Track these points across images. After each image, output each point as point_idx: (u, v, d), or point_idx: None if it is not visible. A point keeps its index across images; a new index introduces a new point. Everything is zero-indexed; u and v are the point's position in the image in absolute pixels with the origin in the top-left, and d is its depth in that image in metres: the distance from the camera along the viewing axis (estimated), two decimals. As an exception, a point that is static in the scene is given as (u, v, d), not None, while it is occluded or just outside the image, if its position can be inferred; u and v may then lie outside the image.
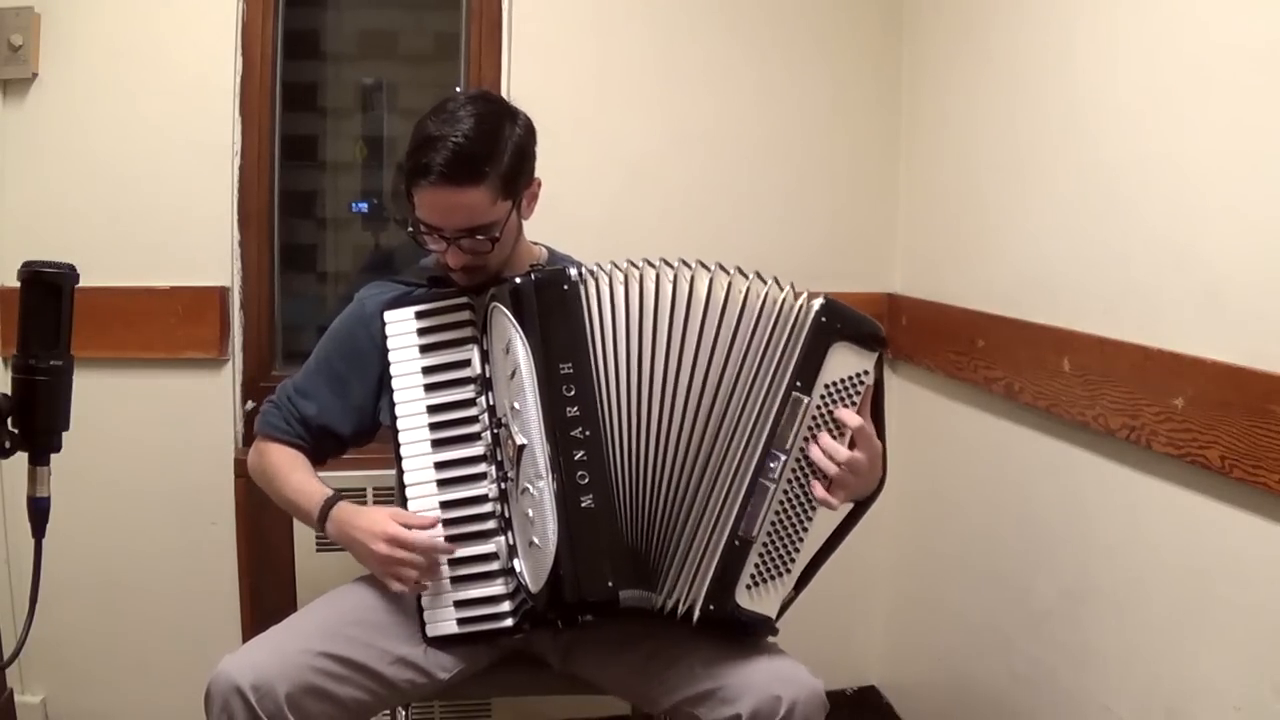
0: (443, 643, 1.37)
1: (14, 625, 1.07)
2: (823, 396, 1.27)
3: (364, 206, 2.28)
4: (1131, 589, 1.43)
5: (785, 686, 1.25)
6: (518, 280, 1.32)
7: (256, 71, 1.99)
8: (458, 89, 2.15)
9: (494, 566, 1.35)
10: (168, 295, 1.95)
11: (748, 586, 1.27)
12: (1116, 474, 1.46)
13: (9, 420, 1.00)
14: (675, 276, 1.31)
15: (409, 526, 1.33)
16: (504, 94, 2.03)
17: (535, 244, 1.55)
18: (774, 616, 1.30)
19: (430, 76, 2.33)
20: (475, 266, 1.38)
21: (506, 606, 1.35)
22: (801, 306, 1.29)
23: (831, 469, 1.26)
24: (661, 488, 1.30)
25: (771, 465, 1.26)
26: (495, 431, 1.35)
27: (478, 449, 1.38)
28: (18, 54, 1.86)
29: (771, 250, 2.14)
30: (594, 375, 1.30)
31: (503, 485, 1.35)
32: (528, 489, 1.29)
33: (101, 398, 1.89)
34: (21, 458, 1.02)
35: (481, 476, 1.37)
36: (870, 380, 1.30)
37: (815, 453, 1.27)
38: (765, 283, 1.31)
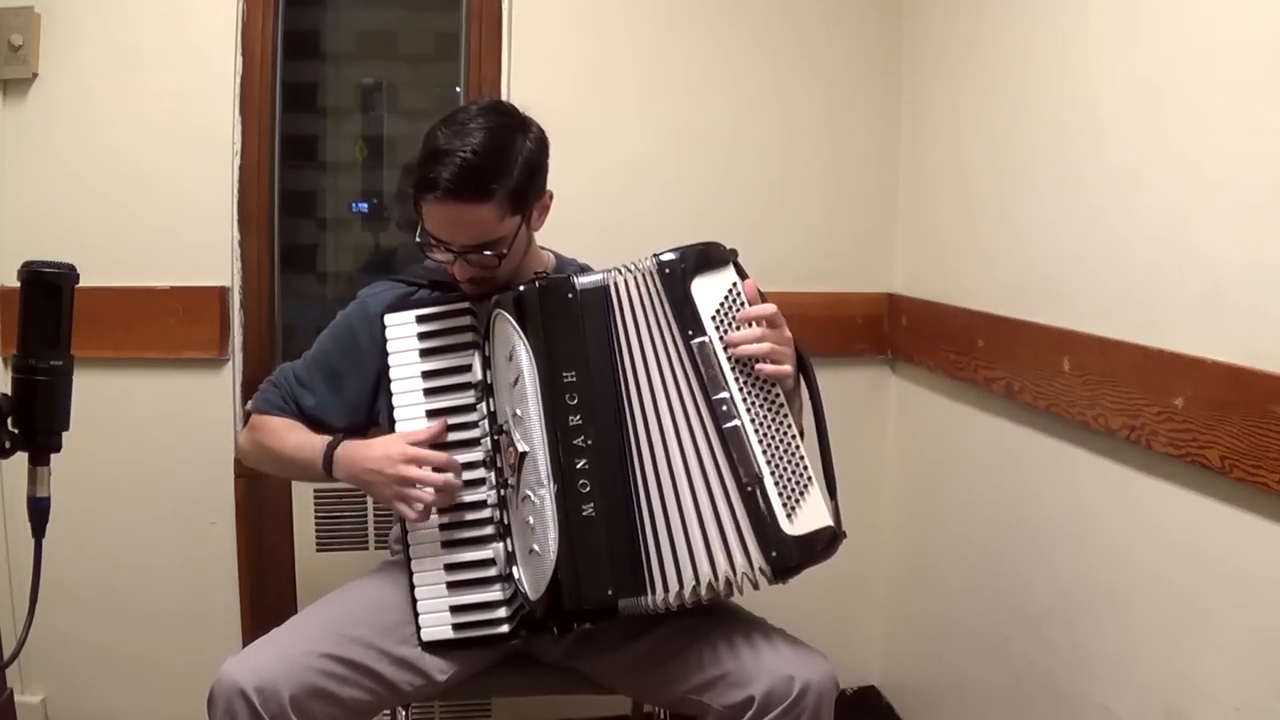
0: (438, 648, 1.37)
1: (14, 625, 1.07)
2: (716, 327, 1.29)
3: (364, 206, 2.28)
4: (1131, 589, 1.43)
5: (799, 668, 1.26)
6: (521, 288, 1.32)
7: (256, 71, 1.99)
8: (458, 89, 2.15)
9: (491, 572, 1.35)
10: (168, 295, 1.95)
11: (788, 516, 1.24)
12: (1116, 474, 1.46)
13: (9, 420, 1.00)
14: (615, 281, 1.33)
15: (418, 443, 1.35)
16: (504, 94, 2.04)
17: (542, 248, 1.55)
18: (832, 523, 1.26)
19: (430, 76, 2.33)
20: (482, 279, 1.38)
21: (503, 613, 1.35)
22: (646, 271, 1.31)
23: (758, 348, 1.27)
24: (655, 487, 1.29)
25: (724, 408, 1.27)
26: (495, 438, 1.35)
27: (477, 454, 1.38)
28: (18, 54, 1.86)
29: (772, 250, 2.15)
30: (590, 383, 1.30)
31: (502, 492, 1.35)
32: (528, 496, 1.29)
33: (101, 398, 1.89)
34: (21, 458, 1.02)
35: (480, 482, 1.37)
36: (740, 284, 1.31)
37: (740, 351, 1.27)
38: (627, 270, 1.33)
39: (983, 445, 1.88)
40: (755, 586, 1.26)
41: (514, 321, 1.32)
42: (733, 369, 1.28)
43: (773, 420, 1.28)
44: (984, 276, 1.86)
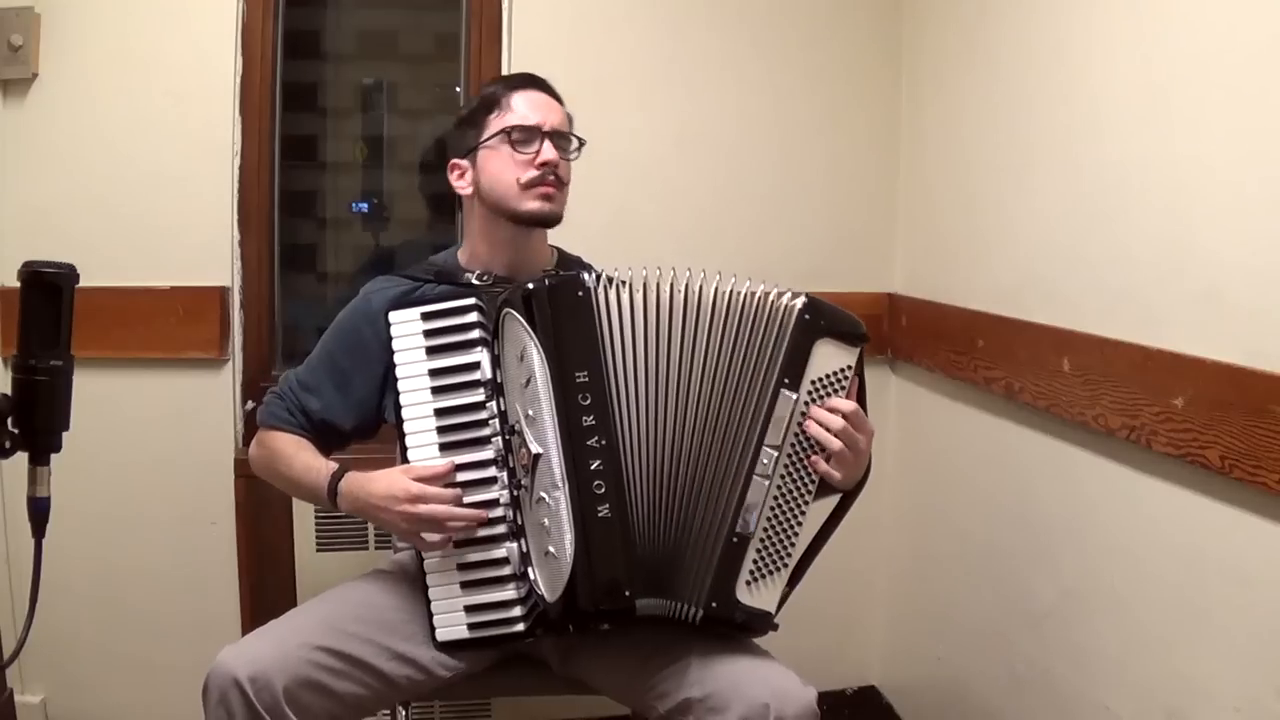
0: (453, 648, 1.36)
1: (14, 625, 1.07)
2: (809, 392, 1.30)
3: (364, 206, 2.28)
4: (1131, 589, 1.43)
5: (775, 696, 1.24)
6: (530, 286, 1.31)
7: (256, 71, 1.99)
8: (458, 89, 2.15)
9: (505, 571, 1.34)
10: (168, 295, 1.95)
11: (747, 583, 1.28)
12: (1116, 474, 1.46)
13: (9, 420, 1.00)
14: (686, 282, 1.32)
15: (422, 480, 1.33)
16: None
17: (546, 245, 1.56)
18: (774, 612, 1.30)
19: (430, 76, 2.33)
20: (558, 182, 1.46)
21: (518, 611, 1.34)
22: (786, 306, 1.31)
23: (833, 442, 1.28)
24: (671, 494, 1.30)
25: (764, 461, 1.28)
26: (507, 438, 1.34)
27: (488, 453, 1.36)
28: (18, 54, 1.86)
29: (772, 250, 2.15)
30: (607, 383, 1.30)
31: (514, 492, 1.34)
32: (543, 498, 1.28)
33: (101, 398, 1.89)
34: (21, 458, 1.02)
35: (492, 481, 1.35)
36: (853, 375, 1.32)
37: (813, 428, 1.29)
38: (755, 284, 1.33)
39: (983, 445, 1.88)
40: (688, 620, 1.30)
41: (524, 321, 1.31)
42: (796, 436, 1.29)
43: (795, 498, 1.30)
44: (984, 276, 1.86)
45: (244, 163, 1.99)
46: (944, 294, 2.01)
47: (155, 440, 1.99)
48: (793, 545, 1.29)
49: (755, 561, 1.28)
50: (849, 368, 1.32)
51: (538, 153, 1.44)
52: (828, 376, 1.31)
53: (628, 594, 1.27)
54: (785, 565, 1.29)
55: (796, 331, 1.30)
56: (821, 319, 1.31)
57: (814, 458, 1.29)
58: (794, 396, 1.29)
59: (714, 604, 1.27)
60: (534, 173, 1.44)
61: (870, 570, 2.28)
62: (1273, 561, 1.18)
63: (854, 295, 2.21)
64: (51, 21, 1.88)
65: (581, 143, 1.49)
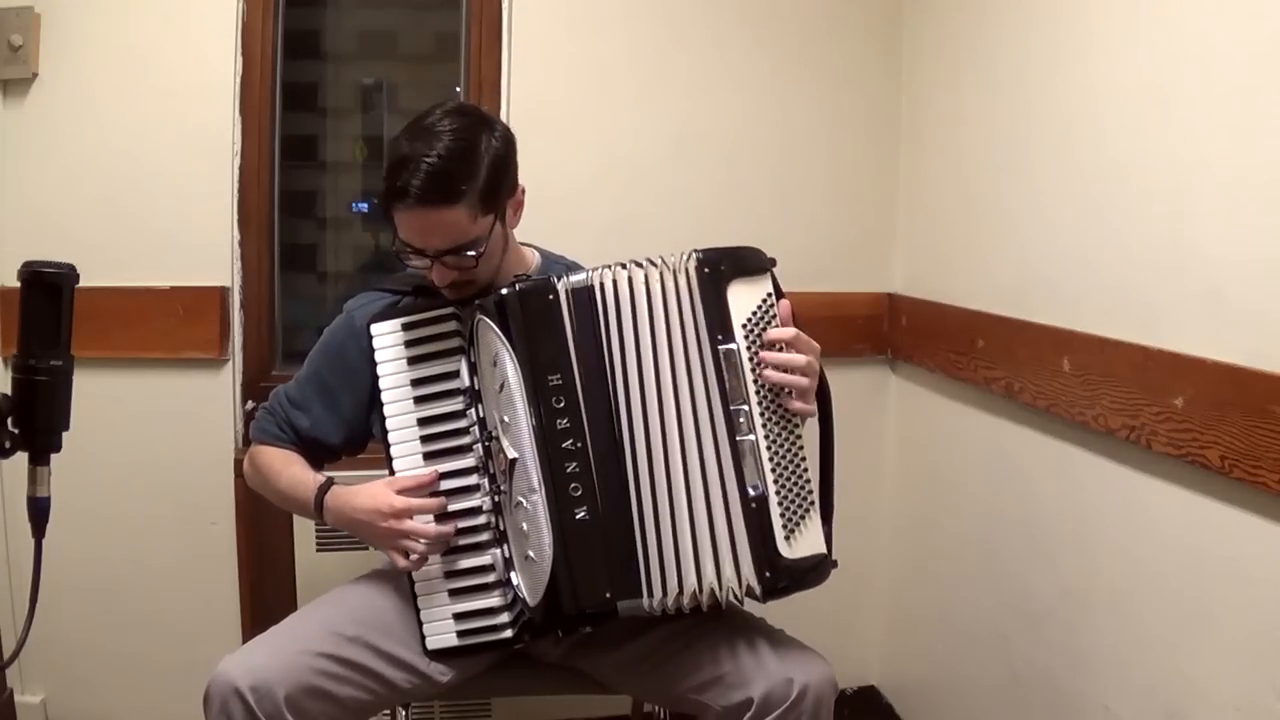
0: (444, 655, 1.37)
1: (14, 625, 1.07)
2: (746, 336, 1.27)
3: (364, 206, 2.28)
4: (1131, 589, 1.43)
5: (797, 670, 1.26)
6: (503, 292, 1.30)
7: (256, 71, 1.99)
8: (458, 89, 2.15)
9: (491, 578, 1.35)
10: (168, 295, 1.95)
11: (785, 538, 1.24)
12: (1116, 474, 1.46)
13: (9, 420, 1.00)
14: (614, 278, 1.30)
15: (406, 490, 1.33)
16: (503, 94, 2.04)
17: (525, 245, 1.54)
18: (826, 551, 1.27)
19: (430, 76, 2.33)
20: (463, 282, 1.36)
21: (505, 618, 1.35)
22: (681, 269, 1.28)
23: (800, 381, 1.26)
24: (649, 489, 1.28)
25: (741, 421, 1.26)
26: (486, 444, 1.35)
27: (469, 460, 1.37)
28: (18, 54, 1.86)
29: (772, 250, 2.09)
30: (576, 385, 1.29)
31: (496, 498, 1.34)
32: (521, 502, 1.29)
33: (101, 398, 1.89)
34: (21, 458, 1.02)
35: (475, 488, 1.36)
36: (773, 299, 1.30)
37: (774, 375, 1.26)
38: (649, 265, 1.30)
39: (983, 445, 1.88)
40: (740, 602, 1.27)
41: (496, 327, 1.30)
42: (755, 382, 1.26)
43: (786, 438, 1.27)
44: (984, 276, 1.86)
45: (244, 163, 1.99)
46: (944, 294, 2.01)
47: (155, 440, 1.99)
48: (808, 481, 1.27)
49: (782, 514, 1.24)
50: (769, 295, 1.29)
51: (429, 269, 1.34)
52: (753, 315, 1.28)
53: (608, 595, 1.26)
54: (812, 502, 1.27)
55: (702, 288, 1.27)
56: (721, 265, 1.28)
57: (783, 398, 1.27)
58: (734, 347, 1.26)
59: (766, 573, 1.23)
60: (431, 279, 1.37)
61: (870, 570, 2.28)
62: (1273, 561, 1.18)
63: (854, 295, 2.21)
64: (51, 21, 1.88)
65: (479, 256, 1.32)
